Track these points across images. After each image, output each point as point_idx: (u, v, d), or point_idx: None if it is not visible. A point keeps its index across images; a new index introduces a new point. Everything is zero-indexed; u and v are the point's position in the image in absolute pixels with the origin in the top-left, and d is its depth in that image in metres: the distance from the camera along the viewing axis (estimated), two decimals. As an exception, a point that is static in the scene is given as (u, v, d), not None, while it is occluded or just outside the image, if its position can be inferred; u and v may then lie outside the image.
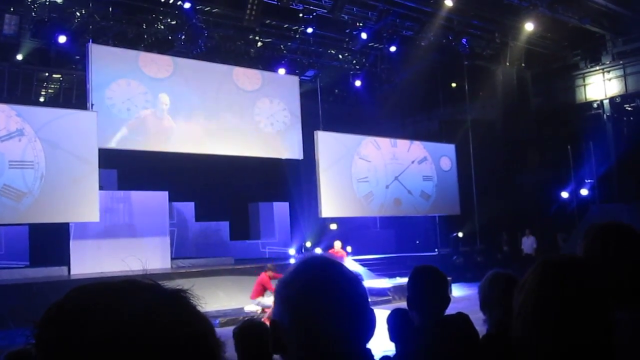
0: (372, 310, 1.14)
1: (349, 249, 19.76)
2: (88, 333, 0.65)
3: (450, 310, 2.88)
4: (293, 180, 19.59)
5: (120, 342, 0.65)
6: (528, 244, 17.69)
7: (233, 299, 13.02)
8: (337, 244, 13.84)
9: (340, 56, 19.39)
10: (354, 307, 1.09)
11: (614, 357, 1.25)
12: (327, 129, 17.76)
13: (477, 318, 2.74)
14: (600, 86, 19.80)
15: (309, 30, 16.58)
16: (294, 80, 17.87)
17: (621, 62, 19.31)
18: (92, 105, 13.70)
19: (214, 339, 0.73)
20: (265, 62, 17.97)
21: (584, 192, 19.56)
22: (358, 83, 20.22)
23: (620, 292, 1.63)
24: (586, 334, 1.24)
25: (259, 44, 17.81)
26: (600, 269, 1.63)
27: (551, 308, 1.25)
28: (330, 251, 13.32)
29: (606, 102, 19.63)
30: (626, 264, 1.63)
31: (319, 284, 1.09)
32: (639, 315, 1.59)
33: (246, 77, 16.59)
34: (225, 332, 2.55)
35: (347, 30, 17.57)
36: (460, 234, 20.14)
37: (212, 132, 15.76)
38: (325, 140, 16.69)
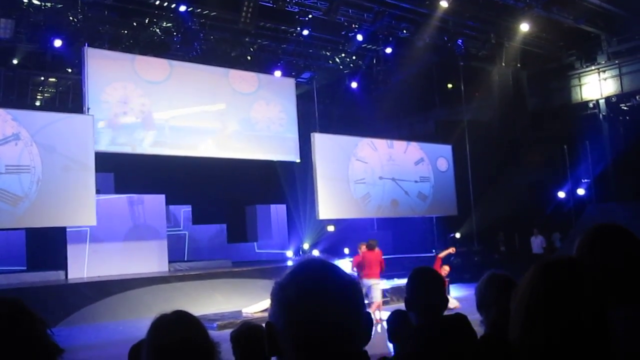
0: (368, 313, 1.14)
1: (346, 250, 19.79)
2: None
3: (449, 311, 2.89)
4: (290, 182, 19.58)
5: None
6: (537, 243, 17.69)
7: (231, 301, 12.99)
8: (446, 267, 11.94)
9: (336, 58, 19.40)
10: (350, 310, 1.09)
11: (609, 354, 1.25)
12: (323, 130, 17.75)
13: (475, 319, 2.74)
14: (596, 86, 19.85)
15: (305, 32, 16.58)
16: (290, 82, 17.88)
17: (616, 61, 19.37)
18: (88, 109, 13.68)
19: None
20: (261, 64, 17.97)
21: (580, 191, 19.61)
22: (354, 84, 20.22)
23: (614, 289, 1.65)
24: (580, 334, 1.24)
25: (255, 46, 17.81)
26: (591, 268, 1.66)
27: (542, 308, 1.27)
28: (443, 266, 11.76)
29: (602, 101, 19.68)
30: (612, 264, 1.66)
31: (315, 286, 1.09)
32: (633, 312, 1.61)
33: (242, 80, 16.59)
34: (223, 336, 2.55)
35: (343, 32, 17.59)
36: (458, 235, 20.15)
37: (209, 135, 15.75)
38: (322, 142, 16.67)
